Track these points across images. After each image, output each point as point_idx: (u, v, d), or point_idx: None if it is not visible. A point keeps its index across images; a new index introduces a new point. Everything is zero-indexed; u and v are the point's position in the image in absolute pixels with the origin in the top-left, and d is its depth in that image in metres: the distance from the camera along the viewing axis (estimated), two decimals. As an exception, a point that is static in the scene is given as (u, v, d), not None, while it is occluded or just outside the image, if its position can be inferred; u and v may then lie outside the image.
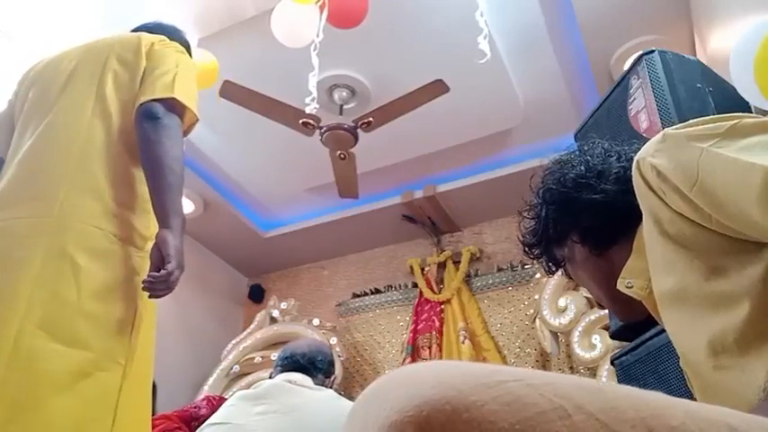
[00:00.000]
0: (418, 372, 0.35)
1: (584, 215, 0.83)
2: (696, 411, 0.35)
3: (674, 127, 0.66)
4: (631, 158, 0.80)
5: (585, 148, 0.89)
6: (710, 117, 0.64)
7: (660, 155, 0.64)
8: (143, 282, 1.15)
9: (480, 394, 0.32)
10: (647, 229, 0.69)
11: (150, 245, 1.22)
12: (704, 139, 0.61)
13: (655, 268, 0.69)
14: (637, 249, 0.78)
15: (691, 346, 0.63)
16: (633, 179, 0.69)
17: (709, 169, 0.59)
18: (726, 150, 0.59)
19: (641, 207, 0.69)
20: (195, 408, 1.86)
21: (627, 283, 0.79)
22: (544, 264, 0.95)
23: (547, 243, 0.91)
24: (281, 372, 1.70)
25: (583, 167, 0.85)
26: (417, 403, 0.32)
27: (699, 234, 0.61)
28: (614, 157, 0.84)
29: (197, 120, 1.39)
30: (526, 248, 0.94)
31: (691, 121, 0.66)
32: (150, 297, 1.18)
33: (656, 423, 0.33)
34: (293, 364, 1.70)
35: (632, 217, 0.75)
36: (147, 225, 1.28)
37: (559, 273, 0.95)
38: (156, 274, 1.14)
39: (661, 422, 0.33)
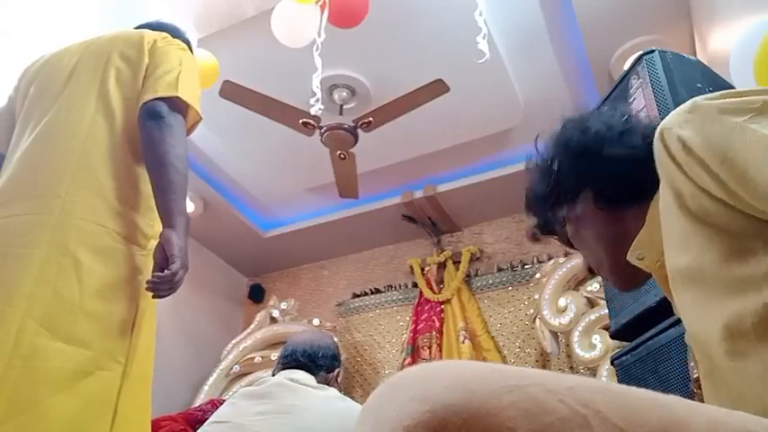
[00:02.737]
0: (431, 373, 0.34)
1: (603, 169, 0.78)
2: (718, 419, 0.34)
3: (703, 96, 0.62)
4: (653, 123, 0.75)
5: (603, 110, 0.85)
6: (741, 90, 0.61)
7: (688, 126, 0.61)
8: (147, 282, 1.14)
9: (499, 399, 0.31)
10: (664, 201, 0.66)
11: (153, 243, 1.21)
12: (737, 113, 0.58)
13: (669, 242, 0.66)
14: (651, 220, 0.74)
15: (703, 327, 0.60)
16: (654, 147, 0.65)
17: (742, 146, 0.56)
18: (761, 127, 0.56)
19: (660, 177, 0.66)
20: (200, 411, 1.85)
21: (638, 255, 0.76)
22: (537, 226, 0.91)
23: (557, 197, 0.85)
24: (282, 369, 1.68)
25: (603, 126, 0.80)
26: (431, 407, 0.30)
27: (722, 212, 0.58)
28: (634, 120, 0.80)
29: (200, 119, 1.38)
30: (531, 203, 0.90)
31: (721, 92, 0.62)
32: (154, 297, 1.17)
33: None
34: (294, 361, 1.68)
35: (650, 183, 0.71)
36: (151, 223, 1.27)
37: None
38: (161, 274, 1.13)
39: (683, 431, 0.32)
